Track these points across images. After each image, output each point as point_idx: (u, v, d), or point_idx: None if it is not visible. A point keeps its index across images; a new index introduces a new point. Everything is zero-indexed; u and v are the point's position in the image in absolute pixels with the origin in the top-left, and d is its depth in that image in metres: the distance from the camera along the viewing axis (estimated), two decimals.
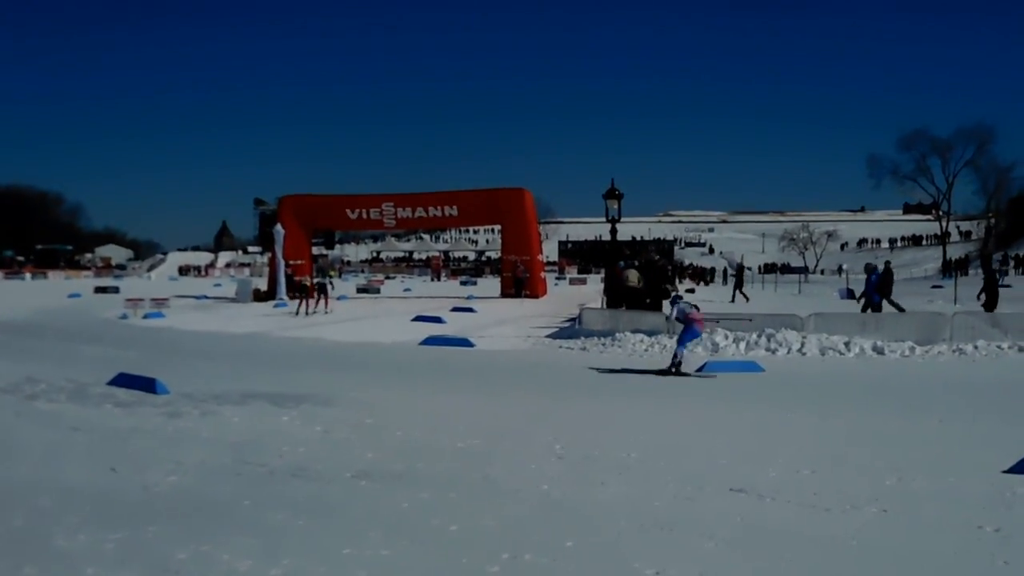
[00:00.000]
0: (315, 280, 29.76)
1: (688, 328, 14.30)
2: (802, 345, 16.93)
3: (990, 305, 22.35)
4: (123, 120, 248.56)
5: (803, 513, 6.01)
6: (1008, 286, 27.74)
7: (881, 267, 24.69)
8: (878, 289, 23.53)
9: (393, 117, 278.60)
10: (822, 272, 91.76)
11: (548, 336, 20.53)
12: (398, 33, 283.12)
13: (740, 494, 6.45)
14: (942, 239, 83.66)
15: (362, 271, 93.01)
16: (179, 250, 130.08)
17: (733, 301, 30.79)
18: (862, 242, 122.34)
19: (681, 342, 14.36)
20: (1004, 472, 7.00)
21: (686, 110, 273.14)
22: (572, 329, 20.74)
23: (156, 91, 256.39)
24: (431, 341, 18.93)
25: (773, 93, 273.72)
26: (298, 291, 31.21)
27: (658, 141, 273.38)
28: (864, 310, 22.01)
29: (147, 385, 11.18)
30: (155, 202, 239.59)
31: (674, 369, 13.93)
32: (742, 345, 17.12)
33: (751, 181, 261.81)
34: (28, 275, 73.02)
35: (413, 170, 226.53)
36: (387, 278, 70.45)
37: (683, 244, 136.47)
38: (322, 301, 28.29)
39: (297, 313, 27.28)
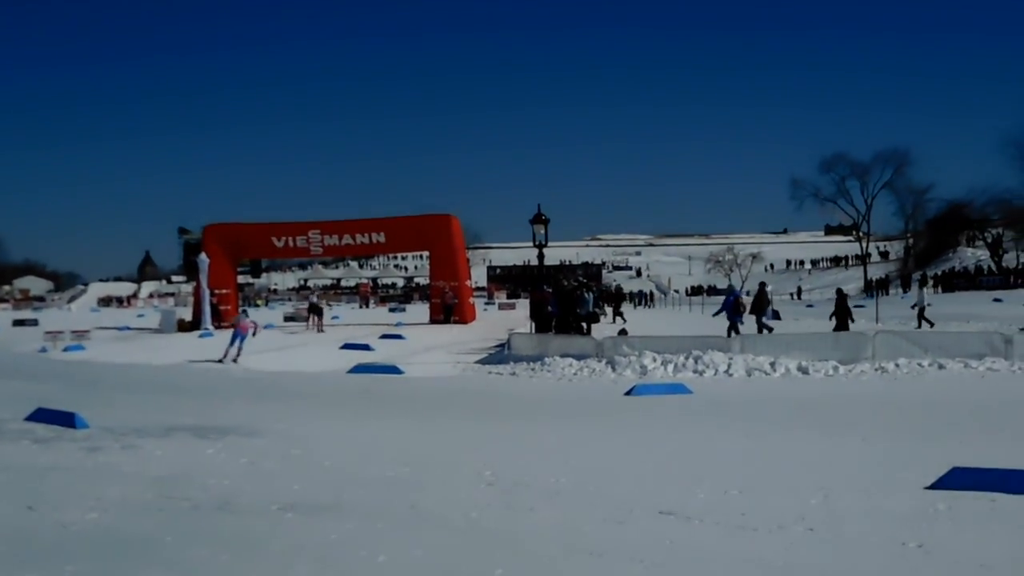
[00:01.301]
0: (311, 300, 32.11)
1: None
2: (729, 366, 17.15)
3: (841, 326, 22.71)
4: (42, 149, 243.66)
5: (731, 534, 6.06)
6: (929, 304, 28.35)
7: (742, 287, 25.27)
8: (752, 309, 23.96)
9: (319, 145, 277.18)
10: (747, 294, 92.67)
11: (477, 362, 20.52)
12: (324, 60, 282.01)
13: (669, 517, 6.48)
14: (863, 259, 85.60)
15: (289, 299, 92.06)
16: (101, 280, 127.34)
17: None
18: (789, 263, 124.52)
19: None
20: (926, 488, 7.14)
21: (610, 135, 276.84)
22: (501, 355, 20.76)
23: (75, 118, 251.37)
24: (359, 369, 18.79)
25: (697, 117, 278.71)
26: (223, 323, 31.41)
27: (584, 166, 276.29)
28: (728, 333, 22.21)
29: (66, 420, 10.89)
30: (76, 232, 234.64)
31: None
32: (670, 367, 17.29)
33: (676, 204, 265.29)
34: None
35: (339, 198, 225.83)
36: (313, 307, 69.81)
37: (611, 267, 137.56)
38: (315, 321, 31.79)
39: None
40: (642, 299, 71.70)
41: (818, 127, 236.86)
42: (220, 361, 21.27)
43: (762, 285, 26.21)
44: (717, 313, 24.87)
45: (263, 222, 40.78)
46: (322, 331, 33.25)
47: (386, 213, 42.93)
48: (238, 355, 21.48)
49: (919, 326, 25.18)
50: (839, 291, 25.03)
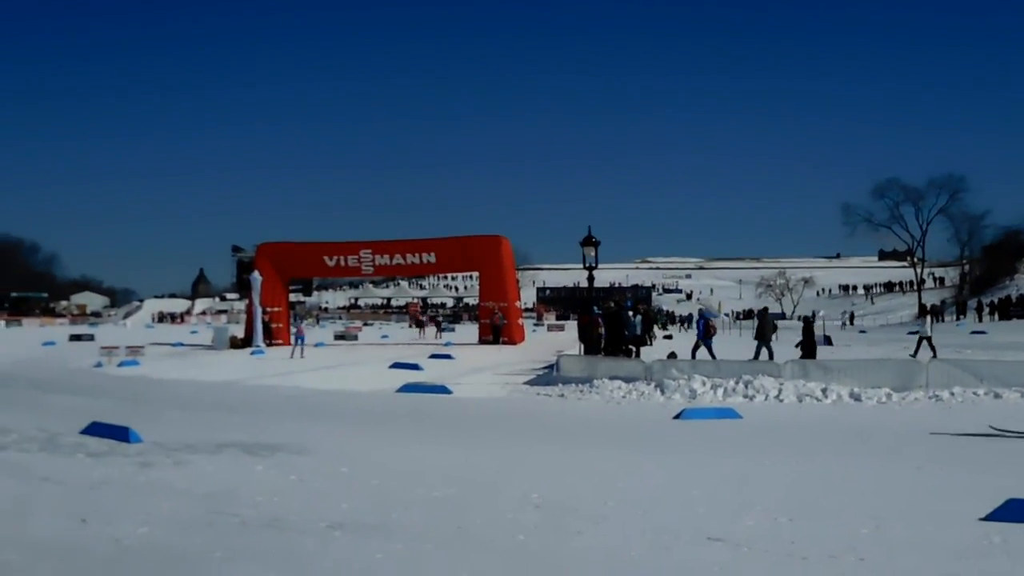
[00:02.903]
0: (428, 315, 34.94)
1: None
2: (779, 392, 16.98)
3: (808, 355, 22.00)
4: (99, 168, 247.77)
5: (780, 562, 5.97)
6: (983, 332, 27.73)
7: (793, 311, 24.91)
8: (756, 335, 23.69)
9: (372, 164, 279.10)
10: (798, 318, 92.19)
11: (526, 383, 20.50)
12: (374, 80, 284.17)
13: (717, 543, 6.40)
14: (917, 286, 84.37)
15: (340, 318, 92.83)
16: (155, 297, 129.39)
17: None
18: (844, 288, 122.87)
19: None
20: (981, 520, 6.98)
21: (663, 157, 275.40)
22: (550, 376, 20.73)
23: (133, 138, 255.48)
24: (408, 388, 18.87)
25: (750, 141, 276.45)
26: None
27: (635, 188, 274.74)
28: (692, 354, 22.39)
29: (120, 434, 11.04)
30: (131, 250, 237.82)
31: None
32: (720, 392, 17.15)
33: (728, 228, 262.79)
34: (2, 323, 72.35)
35: (391, 217, 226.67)
36: (365, 324, 70.33)
37: (661, 290, 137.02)
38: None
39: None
40: (690, 323, 71.19)
41: (871, 150, 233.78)
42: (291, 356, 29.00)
43: (764, 311, 25.96)
44: (697, 342, 24.80)
45: (315, 241, 41.24)
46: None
47: (436, 234, 43.29)
48: (303, 353, 28.39)
49: (915, 354, 24.59)
50: (806, 319, 24.58)
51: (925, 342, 26.28)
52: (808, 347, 22.04)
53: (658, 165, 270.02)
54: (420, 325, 70.83)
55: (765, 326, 23.57)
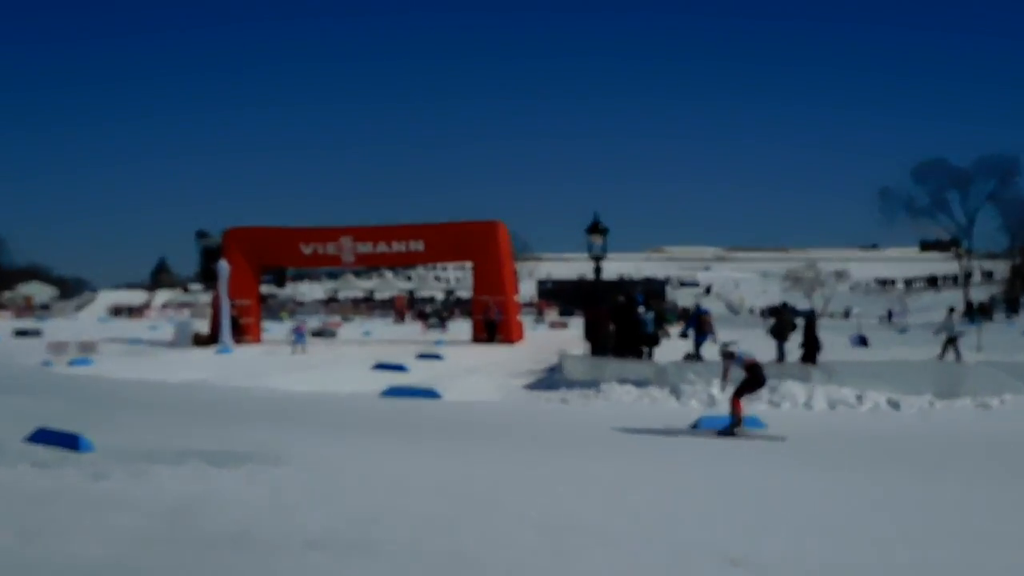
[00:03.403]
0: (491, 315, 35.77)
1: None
2: (809, 398, 16.99)
3: (808, 358, 21.98)
4: (51, 148, 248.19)
5: None
6: (961, 334, 27.37)
7: (824, 308, 24.85)
8: (774, 333, 23.59)
9: (352, 142, 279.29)
10: (830, 316, 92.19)
11: (525, 387, 20.53)
12: (356, 48, 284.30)
13: (738, 567, 6.41)
14: (963, 280, 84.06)
15: (317, 312, 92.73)
16: (111, 288, 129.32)
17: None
18: (884, 282, 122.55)
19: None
20: None
21: (678, 136, 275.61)
22: (551, 379, 20.75)
23: (87, 116, 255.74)
24: (393, 392, 18.87)
25: (774, 116, 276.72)
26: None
27: (648, 169, 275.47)
28: (689, 356, 22.61)
29: (70, 442, 11.02)
30: (84, 235, 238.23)
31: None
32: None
33: (751, 214, 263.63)
34: None
35: (375, 202, 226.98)
36: (345, 320, 70.30)
37: (676, 284, 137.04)
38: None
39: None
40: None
41: (912, 129, 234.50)
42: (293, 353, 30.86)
43: (783, 307, 25.91)
44: (684, 331, 24.98)
45: (289, 226, 41.15)
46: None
47: (425, 219, 43.18)
48: (304, 351, 29.97)
49: (942, 357, 24.52)
50: (807, 316, 24.57)
51: (952, 343, 26.16)
52: (809, 348, 21.97)
53: (673, 145, 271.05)
54: (402, 318, 71.07)
55: (784, 325, 23.59)
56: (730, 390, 13.92)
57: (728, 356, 13.94)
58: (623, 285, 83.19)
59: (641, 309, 24.23)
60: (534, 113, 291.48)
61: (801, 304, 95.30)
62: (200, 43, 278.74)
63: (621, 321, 23.35)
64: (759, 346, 22.80)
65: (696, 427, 14.29)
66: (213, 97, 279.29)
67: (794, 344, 23.06)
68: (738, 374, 13.79)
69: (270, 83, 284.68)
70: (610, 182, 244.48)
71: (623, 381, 18.77)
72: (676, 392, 17.79)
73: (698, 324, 23.95)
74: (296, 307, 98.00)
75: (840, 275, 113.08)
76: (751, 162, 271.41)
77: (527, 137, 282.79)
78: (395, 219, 40.81)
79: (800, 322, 24.50)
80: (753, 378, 13.71)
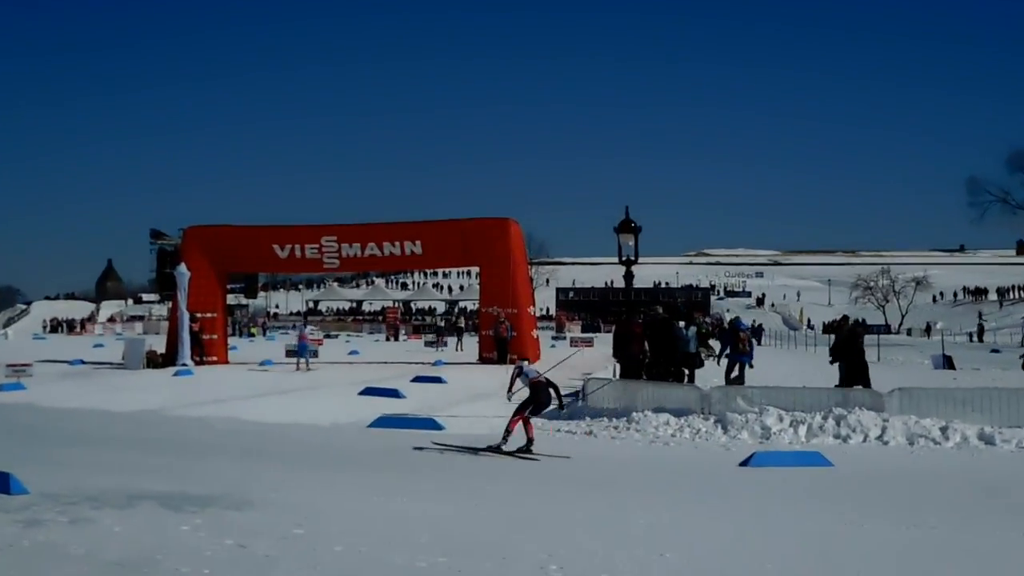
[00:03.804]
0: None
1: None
2: (883, 431, 16.91)
3: (853, 379, 21.72)
4: None
5: None
6: None
7: (902, 322, 24.52)
8: (835, 353, 23.05)
9: (341, 131, 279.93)
10: (908, 332, 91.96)
11: (542, 416, 20.46)
12: (345, 17, 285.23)
13: None
14: None
15: (293, 327, 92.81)
16: (47, 299, 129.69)
17: None
18: (976, 293, 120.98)
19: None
20: None
21: (724, 121, 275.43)
22: (573, 407, 20.69)
23: (20, 95, 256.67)
24: (385, 422, 18.85)
25: (837, 94, 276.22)
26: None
27: (687, 159, 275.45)
28: (726, 377, 22.69)
29: None
30: (15, 236, 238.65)
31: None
32: (802, 430, 17.10)
33: (812, 211, 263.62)
34: None
35: (365, 200, 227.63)
36: (327, 336, 70.36)
37: (722, 292, 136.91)
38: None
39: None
40: (758, 336, 71.06)
41: (1006, 112, 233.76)
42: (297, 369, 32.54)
43: (843, 321, 25.50)
44: (721, 352, 24.76)
45: (261, 225, 41.09)
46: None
47: (425, 217, 42.99)
48: (308, 365, 31.39)
49: None
50: (852, 326, 24.32)
51: None
52: (853, 367, 21.79)
53: (718, 131, 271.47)
54: (395, 334, 71.09)
55: (853, 341, 23.23)
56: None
57: (518, 371, 16.25)
58: (659, 294, 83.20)
59: (682, 324, 24.13)
60: (552, 96, 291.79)
61: (873, 318, 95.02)
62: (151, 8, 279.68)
63: (657, 338, 23.23)
64: (824, 370, 22.73)
65: (747, 464, 14.25)
66: (174, 69, 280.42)
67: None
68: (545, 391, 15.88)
69: (238, 53, 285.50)
70: (643, 173, 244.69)
71: (659, 409, 18.71)
72: (723, 423, 17.73)
73: (733, 342, 23.80)
74: (269, 320, 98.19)
75: (920, 282, 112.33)
76: (812, 150, 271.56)
77: (542, 125, 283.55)
78: (389, 219, 40.40)
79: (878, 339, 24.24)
80: (534, 397, 15.75)
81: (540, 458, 15.01)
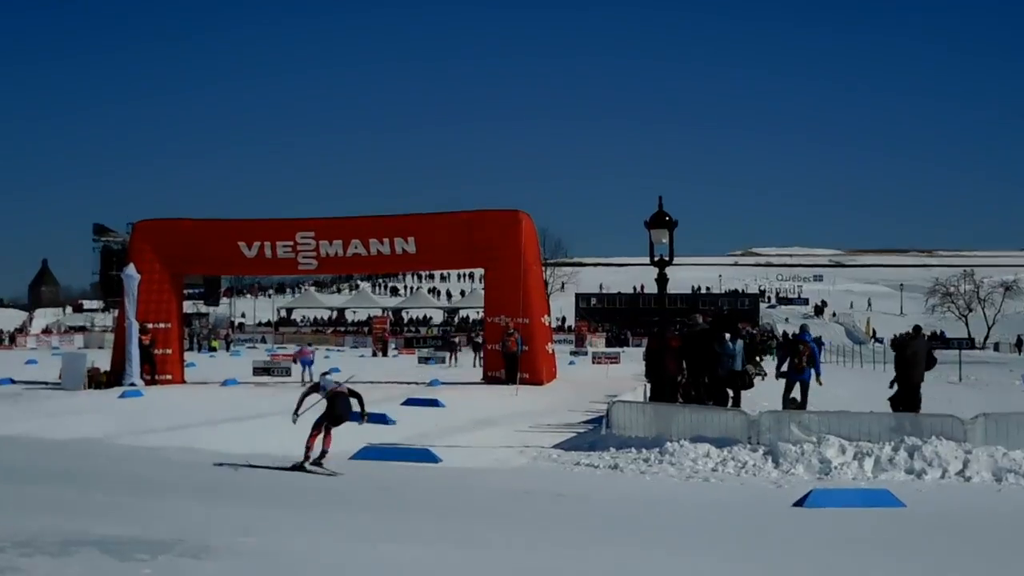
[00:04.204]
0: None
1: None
2: (965, 465, 16.90)
3: (905, 403, 21.74)
4: None
5: None
6: None
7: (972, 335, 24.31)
8: (903, 371, 22.90)
9: (322, 113, 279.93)
10: (996, 347, 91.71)
11: (557, 446, 20.50)
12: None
13: None
14: None
15: (263, 339, 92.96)
16: None
17: None
18: None
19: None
20: None
21: (776, 97, 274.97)
22: (596, 436, 20.72)
23: None
24: (370, 453, 18.88)
25: (905, 70, 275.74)
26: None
27: (730, 142, 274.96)
28: (784, 401, 22.65)
29: None
30: None
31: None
32: (868, 463, 17.08)
33: (880, 204, 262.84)
34: None
35: (349, 190, 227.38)
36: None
37: (774, 299, 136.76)
38: None
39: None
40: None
41: None
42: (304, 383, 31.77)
43: (915, 332, 25.23)
44: (778, 369, 24.62)
45: (224, 218, 41.03)
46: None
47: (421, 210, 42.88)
48: (312, 379, 29.63)
49: None
50: (901, 340, 24.27)
51: None
52: (907, 391, 21.72)
53: (768, 105, 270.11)
54: (383, 348, 71.28)
55: (919, 358, 23.09)
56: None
57: (311, 388, 18.09)
58: (699, 301, 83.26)
59: (727, 337, 23.81)
60: (569, 75, 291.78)
61: (953, 330, 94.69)
62: None
63: (697, 353, 23.14)
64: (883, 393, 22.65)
65: (803, 504, 14.24)
66: (122, 28, 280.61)
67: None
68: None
69: (192, 25, 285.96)
70: (678, 159, 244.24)
71: (699, 439, 18.71)
72: (774, 454, 17.72)
73: (795, 354, 23.66)
74: (234, 332, 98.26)
75: (1010, 288, 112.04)
76: (881, 127, 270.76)
77: (557, 97, 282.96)
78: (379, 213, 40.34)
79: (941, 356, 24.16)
80: (330, 409, 17.33)
81: (336, 473, 17.05)
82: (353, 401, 17.32)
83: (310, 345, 40.56)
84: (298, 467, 17.19)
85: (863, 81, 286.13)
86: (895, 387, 22.29)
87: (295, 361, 40.31)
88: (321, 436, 17.19)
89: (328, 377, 18.29)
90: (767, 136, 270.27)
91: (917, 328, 25.22)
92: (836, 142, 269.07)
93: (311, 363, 38.13)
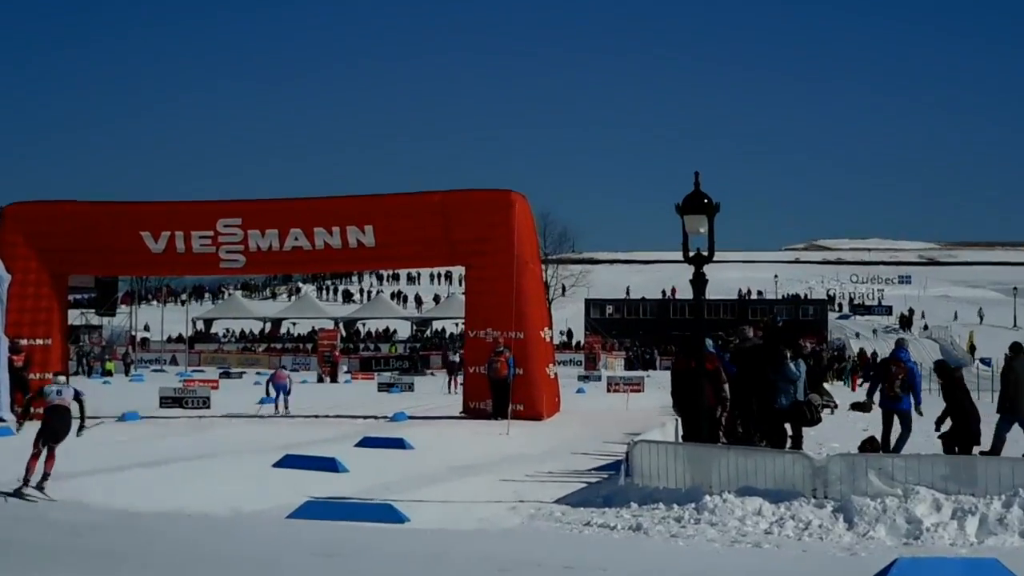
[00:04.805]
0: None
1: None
2: None
3: (959, 442, 22.02)
4: None
5: None
6: None
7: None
8: (1003, 400, 22.93)
9: (260, 75, 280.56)
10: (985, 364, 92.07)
11: (561, 502, 20.53)
12: None
13: None
14: None
15: (173, 360, 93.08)
16: None
17: None
18: None
19: None
20: None
21: (840, 43, 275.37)
22: (612, 487, 20.75)
23: None
24: (314, 510, 18.88)
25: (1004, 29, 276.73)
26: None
27: (787, 103, 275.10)
28: (884, 439, 22.92)
29: None
30: None
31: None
32: (971, 523, 17.07)
33: (983, 190, 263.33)
34: None
35: (288, 168, 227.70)
36: (225, 375, 70.52)
37: (846, 307, 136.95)
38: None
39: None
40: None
41: None
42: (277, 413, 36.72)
43: (1018, 353, 25.22)
44: (868, 396, 24.66)
45: (122, 201, 40.98)
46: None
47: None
48: (287, 409, 36.16)
49: None
50: (952, 369, 24.43)
51: None
52: (959, 426, 21.82)
53: (829, 55, 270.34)
54: (332, 372, 71.37)
55: (951, 384, 23.16)
56: None
57: (37, 396, 20.38)
58: (749, 309, 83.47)
59: (787, 355, 23.51)
60: (580, 41, 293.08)
61: None
62: None
63: (747, 378, 23.05)
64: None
65: (888, 571, 14.24)
66: None
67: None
68: None
69: None
70: (718, 127, 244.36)
71: (747, 491, 18.71)
72: (847, 512, 17.71)
73: (887, 377, 23.56)
74: (135, 350, 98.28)
75: None
76: (985, 91, 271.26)
77: (564, 56, 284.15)
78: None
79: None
80: (45, 425, 19.47)
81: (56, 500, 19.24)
82: (74, 409, 19.34)
83: (284, 368, 41.67)
84: (17, 493, 19.26)
85: (957, 26, 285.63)
86: (948, 421, 22.37)
87: (268, 387, 41.79)
88: (43, 457, 19.00)
89: (52, 387, 20.12)
90: (831, 94, 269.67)
91: (1017, 346, 24.92)
92: (928, 103, 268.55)
93: (287, 390, 39.95)
